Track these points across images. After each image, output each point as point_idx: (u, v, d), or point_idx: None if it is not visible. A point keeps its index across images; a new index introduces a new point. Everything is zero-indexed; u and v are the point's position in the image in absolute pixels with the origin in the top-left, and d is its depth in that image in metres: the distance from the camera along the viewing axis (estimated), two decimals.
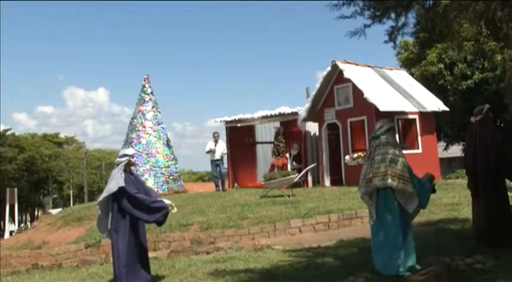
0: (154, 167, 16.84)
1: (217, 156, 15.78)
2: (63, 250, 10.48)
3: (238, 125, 18.14)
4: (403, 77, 16.84)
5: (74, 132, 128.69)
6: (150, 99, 18.02)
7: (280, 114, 17.18)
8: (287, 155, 16.86)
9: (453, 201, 10.22)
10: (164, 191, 16.07)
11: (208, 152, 15.81)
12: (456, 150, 24.68)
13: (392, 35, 6.08)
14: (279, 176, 13.27)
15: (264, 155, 18.63)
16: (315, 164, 15.62)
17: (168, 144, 17.77)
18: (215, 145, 15.80)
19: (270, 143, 17.89)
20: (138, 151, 16.28)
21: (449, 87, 20.65)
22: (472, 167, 6.43)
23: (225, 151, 16.21)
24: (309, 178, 16.04)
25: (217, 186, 16.01)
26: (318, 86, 15.63)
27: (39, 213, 49.29)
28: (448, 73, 20.69)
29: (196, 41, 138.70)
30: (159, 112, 18.09)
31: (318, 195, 12.44)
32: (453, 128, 22.37)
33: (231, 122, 18.33)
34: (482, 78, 20.21)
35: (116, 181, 5.86)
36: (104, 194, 5.96)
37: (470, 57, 19.78)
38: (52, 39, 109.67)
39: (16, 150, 44.86)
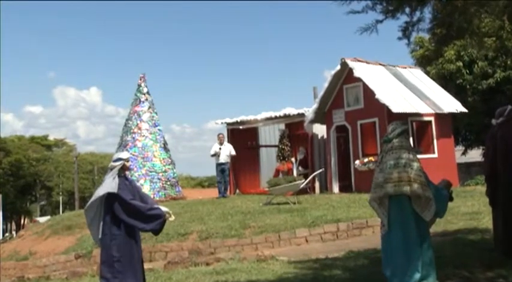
0: (151, 171, 16.88)
1: (222, 159, 15.55)
2: (51, 261, 10.51)
3: (241, 127, 18.19)
4: (418, 76, 16.86)
5: (64, 134, 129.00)
6: (146, 100, 18.10)
7: (285, 116, 17.22)
8: (293, 159, 16.88)
9: (472, 209, 10.22)
10: (161, 198, 16.10)
11: (213, 156, 15.65)
12: (475, 155, 24.64)
13: (406, 31, 6.08)
14: (284, 182, 13.28)
15: (268, 159, 18.66)
16: (323, 169, 15.64)
17: (165, 147, 17.82)
18: (220, 147, 15.62)
19: (275, 146, 17.90)
20: (134, 155, 16.34)
21: (468, 86, 20.62)
22: (490, 173, 6.42)
23: (233, 153, 15.83)
24: (316, 184, 16.07)
25: (220, 192, 15.84)
26: (326, 85, 15.68)
27: (26, 222, 49.41)
28: (467, 71, 20.66)
29: (195, 37, 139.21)
30: (156, 113, 18.17)
31: (325, 202, 12.45)
32: (472, 131, 22.34)
33: (233, 123, 18.38)
34: (505, 76, 20.17)
35: (107, 186, 5.87)
36: (92, 199, 5.96)
37: (491, 54, 19.71)
38: (42, 35, 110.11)
39: (1, 153, 45.05)
